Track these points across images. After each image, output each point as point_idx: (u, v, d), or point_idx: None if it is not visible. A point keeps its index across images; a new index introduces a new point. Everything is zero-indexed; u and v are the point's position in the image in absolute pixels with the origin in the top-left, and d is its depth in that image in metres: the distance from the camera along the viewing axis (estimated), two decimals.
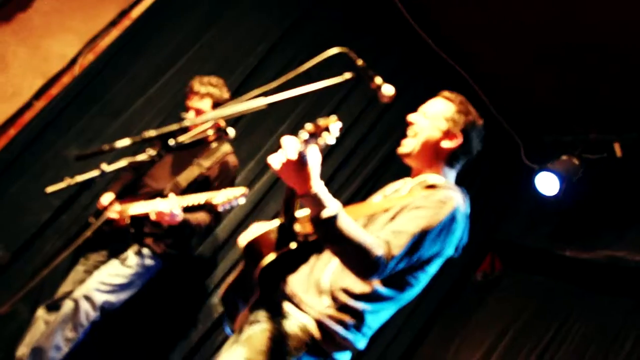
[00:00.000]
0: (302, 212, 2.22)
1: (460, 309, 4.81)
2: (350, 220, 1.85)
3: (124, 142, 2.14)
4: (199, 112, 3.37)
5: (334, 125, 1.66)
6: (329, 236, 1.83)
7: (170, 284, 3.68)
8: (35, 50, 3.76)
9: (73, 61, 3.81)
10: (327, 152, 4.09)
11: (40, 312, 3.32)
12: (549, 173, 3.95)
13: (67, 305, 3.15)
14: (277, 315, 2.09)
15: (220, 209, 2.77)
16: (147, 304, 3.57)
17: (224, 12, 4.08)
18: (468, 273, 4.87)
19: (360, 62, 2.13)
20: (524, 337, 4.22)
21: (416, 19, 4.52)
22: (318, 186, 1.79)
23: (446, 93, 2.32)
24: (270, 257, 2.11)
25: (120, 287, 3.25)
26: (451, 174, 2.28)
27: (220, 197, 2.76)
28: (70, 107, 3.71)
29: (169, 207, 2.99)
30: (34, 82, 3.75)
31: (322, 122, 1.66)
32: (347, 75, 2.14)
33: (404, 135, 2.30)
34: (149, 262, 3.34)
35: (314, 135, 1.66)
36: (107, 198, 3.34)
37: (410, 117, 2.30)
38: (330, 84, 2.17)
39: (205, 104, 3.40)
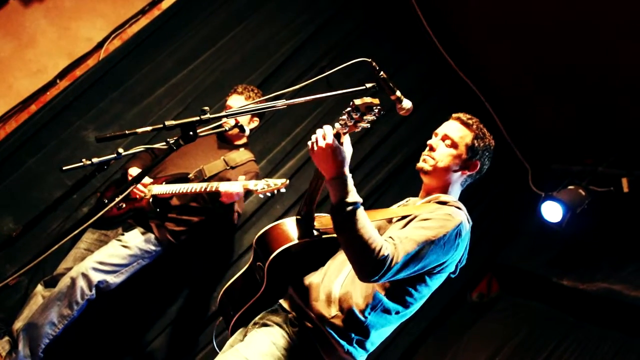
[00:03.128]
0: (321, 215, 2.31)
1: (453, 328, 4.81)
2: (367, 218, 1.92)
3: (145, 128, 2.20)
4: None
5: (374, 107, 1.79)
6: (345, 224, 1.88)
7: (168, 271, 3.72)
8: (64, 31, 3.84)
9: (100, 45, 3.90)
10: None
11: (39, 288, 3.40)
12: (554, 202, 3.97)
13: (64, 282, 3.19)
14: (283, 320, 2.15)
15: (260, 195, 2.86)
16: (144, 289, 3.62)
17: (251, 12, 4.17)
18: (464, 292, 4.88)
19: (382, 73, 2.19)
20: None
21: (438, 36, 4.57)
22: (348, 173, 1.93)
23: (463, 116, 2.35)
24: (284, 246, 2.17)
25: (118, 268, 3.27)
26: (459, 190, 2.35)
27: (261, 185, 2.84)
28: (92, 89, 3.80)
29: (235, 187, 3.06)
30: (59, 61, 3.84)
31: (367, 100, 1.79)
32: (369, 85, 2.20)
33: (422, 150, 2.35)
34: (150, 246, 3.37)
35: (355, 119, 1.81)
36: (135, 171, 3.37)
37: (431, 142, 2.33)
38: (347, 92, 2.22)
39: (242, 104, 3.47)
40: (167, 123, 2.06)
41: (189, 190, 3.12)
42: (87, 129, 3.77)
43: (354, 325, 2.08)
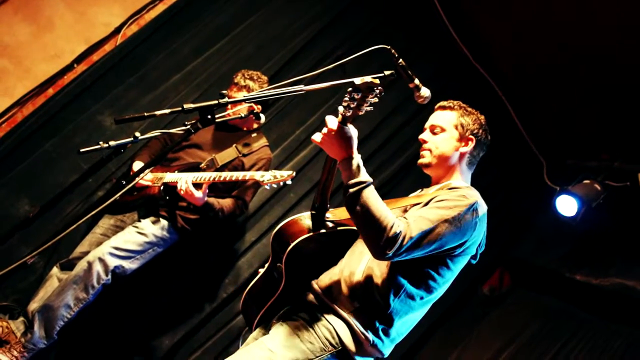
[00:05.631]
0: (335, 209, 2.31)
1: (464, 321, 4.80)
2: (378, 196, 1.96)
3: (163, 111, 2.21)
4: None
5: (374, 87, 1.82)
6: (356, 201, 1.92)
7: (181, 259, 3.74)
8: (81, 15, 3.86)
9: (117, 30, 3.91)
10: None
11: (55, 270, 3.42)
12: (569, 195, 3.94)
13: (81, 266, 3.21)
14: (306, 315, 2.15)
15: (266, 187, 2.85)
16: (157, 276, 3.64)
17: (267, 1, 4.18)
18: (476, 285, 4.87)
19: (401, 60, 2.18)
20: (523, 354, 4.19)
21: (456, 28, 4.55)
22: (356, 154, 1.98)
23: (442, 103, 2.41)
24: (298, 239, 2.17)
25: (134, 254, 3.30)
26: (469, 174, 2.38)
27: (267, 176, 2.84)
28: (109, 74, 3.82)
29: (205, 177, 3.08)
30: (76, 46, 3.86)
31: (365, 80, 1.82)
32: (387, 73, 2.19)
33: (420, 150, 2.38)
34: (165, 233, 3.39)
35: (356, 100, 1.84)
36: (138, 165, 3.43)
37: (422, 137, 2.38)
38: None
39: (241, 95, 3.47)
40: (185, 106, 2.07)
41: (202, 180, 3.13)
42: (103, 114, 3.79)
43: (377, 314, 2.09)
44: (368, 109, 1.90)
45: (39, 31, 3.78)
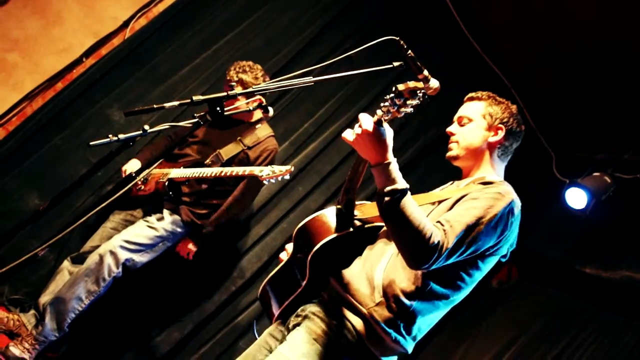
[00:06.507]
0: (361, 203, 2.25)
1: (472, 314, 4.79)
2: (415, 204, 1.86)
3: (172, 103, 2.20)
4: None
5: (417, 91, 1.71)
6: (392, 211, 1.83)
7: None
8: (90, 10, 3.87)
9: (125, 24, 3.92)
10: None
11: (66, 264, 3.45)
12: (578, 188, 3.92)
13: (92, 259, 3.24)
14: (326, 312, 2.06)
15: (265, 181, 2.83)
16: (168, 268, 3.65)
17: None
18: (485, 279, 4.85)
19: (410, 52, 2.17)
20: (532, 348, 4.19)
21: (465, 21, 4.53)
22: (392, 158, 1.86)
23: (471, 94, 2.33)
24: (326, 239, 2.10)
25: (144, 248, 3.34)
26: (502, 167, 2.28)
27: (266, 171, 2.82)
28: (117, 68, 3.82)
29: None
30: (85, 40, 3.87)
31: (411, 85, 1.71)
32: (396, 64, 2.18)
33: (448, 141, 2.30)
34: (175, 228, 3.42)
35: (398, 105, 1.74)
36: (132, 165, 3.45)
37: (449, 129, 2.30)
38: (376, 70, 2.22)
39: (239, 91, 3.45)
40: (194, 98, 2.06)
41: (204, 175, 3.13)
42: (112, 107, 3.80)
43: (399, 311, 1.98)
44: (408, 111, 1.78)
45: (48, 25, 3.79)
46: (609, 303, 4.04)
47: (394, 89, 1.72)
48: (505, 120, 2.24)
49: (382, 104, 1.78)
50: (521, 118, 2.31)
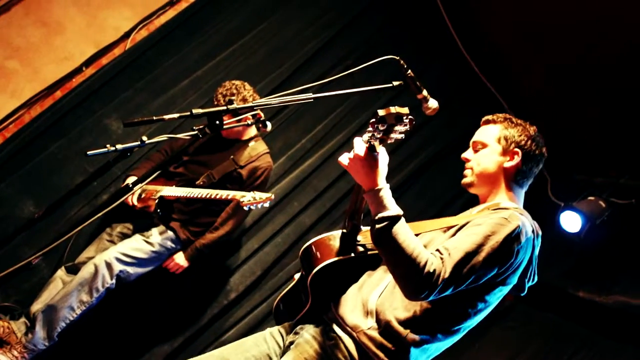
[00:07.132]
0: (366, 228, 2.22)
1: (464, 336, 4.77)
2: (409, 231, 1.80)
3: (172, 115, 2.20)
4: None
5: (403, 117, 1.66)
6: (382, 239, 1.78)
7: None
8: (92, 19, 3.89)
9: (126, 35, 3.94)
10: None
11: (60, 273, 3.45)
12: (573, 212, 3.93)
13: (87, 269, 3.24)
14: (322, 332, 2.04)
15: (245, 207, 2.82)
16: (160, 280, 3.62)
17: (277, 9, 4.19)
18: None
19: (409, 71, 2.18)
20: None
21: (463, 39, 4.57)
22: (384, 184, 1.83)
23: (486, 117, 2.25)
24: (326, 262, 2.09)
25: (139, 262, 3.35)
26: (520, 192, 2.18)
27: (248, 197, 2.83)
28: (117, 78, 3.84)
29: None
30: (86, 49, 3.88)
31: (393, 111, 1.65)
32: (395, 83, 2.19)
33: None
34: (170, 244, 3.45)
35: (382, 131, 1.69)
36: (131, 180, 3.42)
37: (464, 155, 2.24)
38: (375, 89, 2.23)
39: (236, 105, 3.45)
40: (194, 111, 2.06)
41: (193, 195, 3.14)
42: (110, 117, 3.80)
43: (391, 338, 1.92)
44: (398, 137, 1.74)
45: (50, 34, 3.80)
46: (603, 327, 4.02)
47: (374, 114, 1.68)
48: (522, 143, 2.14)
49: (366, 129, 1.75)
50: (542, 140, 2.21)
